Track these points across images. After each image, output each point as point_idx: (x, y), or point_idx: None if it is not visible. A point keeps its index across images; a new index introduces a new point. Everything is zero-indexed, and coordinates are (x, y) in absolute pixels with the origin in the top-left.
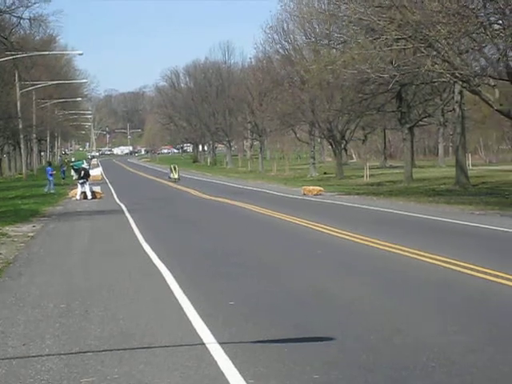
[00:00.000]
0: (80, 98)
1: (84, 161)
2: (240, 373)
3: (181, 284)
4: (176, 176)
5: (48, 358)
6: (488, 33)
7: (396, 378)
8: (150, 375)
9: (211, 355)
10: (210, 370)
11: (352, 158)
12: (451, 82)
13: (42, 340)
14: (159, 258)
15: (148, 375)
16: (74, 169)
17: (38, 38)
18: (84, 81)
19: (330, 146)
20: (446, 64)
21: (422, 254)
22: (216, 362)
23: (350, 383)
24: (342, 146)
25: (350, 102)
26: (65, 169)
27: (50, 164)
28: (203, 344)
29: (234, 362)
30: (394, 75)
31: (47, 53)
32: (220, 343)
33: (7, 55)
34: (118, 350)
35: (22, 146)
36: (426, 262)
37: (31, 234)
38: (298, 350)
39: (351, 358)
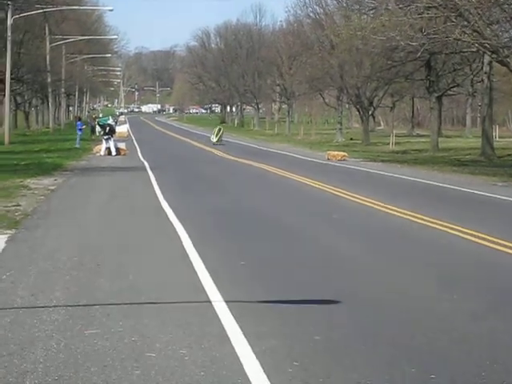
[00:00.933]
0: (110, 55)
1: (110, 117)
2: (242, 331)
3: (195, 243)
4: (215, 140)
5: (55, 309)
6: None
7: (396, 343)
8: (154, 330)
9: (216, 313)
10: (213, 327)
11: (379, 125)
12: (480, 52)
13: (51, 291)
14: (176, 216)
15: (151, 330)
16: (99, 125)
17: None
18: (114, 37)
19: (357, 112)
20: (475, 34)
21: (433, 221)
22: (220, 320)
23: (349, 344)
24: (370, 112)
25: (378, 68)
26: (94, 124)
27: (79, 119)
28: (209, 302)
29: (237, 321)
30: (423, 43)
31: (78, 7)
32: (226, 302)
33: (38, 8)
34: (125, 304)
35: (50, 100)
36: (435, 229)
37: (52, 188)
38: (303, 312)
39: (355, 321)
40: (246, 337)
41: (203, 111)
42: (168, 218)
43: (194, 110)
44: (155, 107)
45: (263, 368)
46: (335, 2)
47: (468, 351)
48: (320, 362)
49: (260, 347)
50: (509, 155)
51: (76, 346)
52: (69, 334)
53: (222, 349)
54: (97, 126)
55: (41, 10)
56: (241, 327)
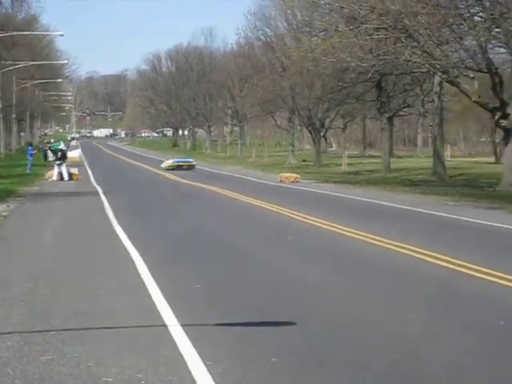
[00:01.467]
0: (61, 79)
1: (61, 142)
2: (199, 354)
3: (149, 266)
4: (166, 164)
5: (10, 336)
6: (468, 24)
7: (354, 363)
8: (110, 355)
9: (172, 337)
10: (170, 351)
11: (331, 147)
12: (431, 72)
13: (5, 318)
14: (130, 239)
15: (107, 355)
16: (51, 150)
17: (19, 17)
18: (65, 62)
19: (309, 134)
20: (425, 55)
21: (389, 242)
22: (176, 344)
23: (305, 366)
24: (322, 134)
25: (330, 90)
26: (46, 149)
27: (30, 144)
28: (165, 326)
29: (194, 344)
30: (374, 65)
31: (28, 33)
32: (182, 325)
33: None
34: (81, 329)
35: (1, 125)
36: (391, 250)
37: (5, 214)
38: (259, 334)
39: (311, 342)
40: (202, 360)
41: (155, 135)
42: (122, 243)
43: (146, 134)
44: (107, 132)
45: None
46: (285, 24)
47: (430, 372)
48: None
49: (217, 370)
50: (460, 175)
51: (32, 372)
52: (25, 360)
53: (179, 372)
54: (48, 152)
55: None
56: (197, 350)
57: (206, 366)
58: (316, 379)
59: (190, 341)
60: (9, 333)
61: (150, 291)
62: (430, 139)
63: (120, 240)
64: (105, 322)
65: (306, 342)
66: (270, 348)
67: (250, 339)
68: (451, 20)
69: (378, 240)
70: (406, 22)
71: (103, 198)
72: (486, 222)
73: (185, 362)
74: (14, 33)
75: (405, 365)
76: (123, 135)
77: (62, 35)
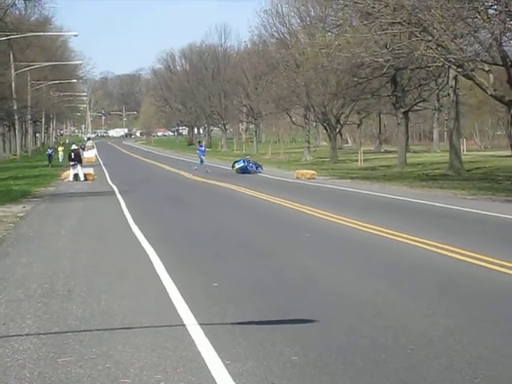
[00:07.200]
0: (75, 80)
1: (86, 141)
2: (218, 354)
3: (166, 266)
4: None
5: (27, 337)
6: (482, 17)
7: (375, 360)
8: (128, 355)
9: (190, 336)
10: (188, 350)
11: (347, 143)
12: (445, 66)
13: (22, 319)
14: (147, 239)
15: (126, 355)
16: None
17: (33, 18)
18: (79, 62)
19: (324, 130)
20: (440, 48)
21: (407, 236)
22: (194, 343)
23: (328, 364)
24: (337, 130)
25: (344, 85)
26: (51, 152)
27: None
28: (183, 325)
29: (212, 344)
30: (389, 59)
31: (42, 34)
32: (200, 324)
33: (2, 36)
34: (98, 330)
35: (17, 127)
36: (409, 245)
37: (21, 215)
38: (279, 332)
39: (331, 339)
40: (221, 359)
41: (170, 134)
42: (139, 243)
43: (161, 133)
44: (122, 131)
45: None
46: (299, 20)
47: (448, 366)
48: (298, 383)
49: (237, 369)
50: (477, 168)
51: (50, 374)
52: (42, 362)
53: (199, 373)
54: (60, 153)
55: (5, 38)
56: (216, 349)
57: (225, 365)
58: (338, 377)
59: (209, 340)
60: (26, 334)
61: (169, 291)
62: (445, 133)
63: (137, 238)
64: (122, 322)
65: (326, 340)
66: (289, 346)
67: (268, 338)
68: (465, 13)
69: (397, 236)
70: (421, 16)
71: (119, 197)
72: (505, 216)
73: (204, 362)
74: (29, 34)
75: (423, 359)
76: (138, 134)
77: (76, 35)
